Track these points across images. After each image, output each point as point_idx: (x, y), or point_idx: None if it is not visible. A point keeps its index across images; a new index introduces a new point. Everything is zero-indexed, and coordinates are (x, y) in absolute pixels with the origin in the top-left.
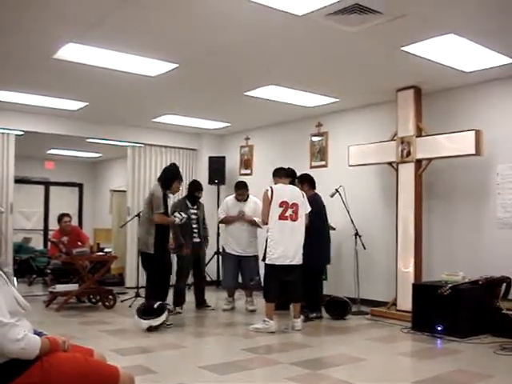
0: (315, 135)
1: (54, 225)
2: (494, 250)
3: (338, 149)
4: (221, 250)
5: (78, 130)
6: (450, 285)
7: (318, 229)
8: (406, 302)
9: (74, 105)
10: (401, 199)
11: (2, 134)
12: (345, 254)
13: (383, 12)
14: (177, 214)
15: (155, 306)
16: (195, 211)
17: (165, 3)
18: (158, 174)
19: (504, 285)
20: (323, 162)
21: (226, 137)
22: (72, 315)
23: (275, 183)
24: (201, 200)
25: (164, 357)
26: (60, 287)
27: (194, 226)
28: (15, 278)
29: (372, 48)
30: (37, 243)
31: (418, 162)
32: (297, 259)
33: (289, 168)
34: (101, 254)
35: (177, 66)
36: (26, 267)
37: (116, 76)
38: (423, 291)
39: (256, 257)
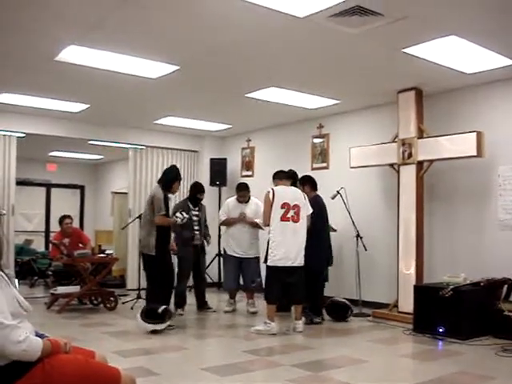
0: (316, 137)
1: (55, 227)
2: (496, 252)
3: (340, 150)
4: (222, 252)
5: (80, 132)
6: (451, 286)
7: (318, 230)
8: (407, 304)
9: (75, 107)
10: (402, 201)
11: (4, 136)
12: (346, 255)
13: (384, 14)
14: (178, 214)
15: (160, 310)
16: (197, 213)
17: (165, 5)
18: (160, 176)
19: (505, 286)
20: (324, 164)
21: (227, 138)
22: (73, 317)
23: (275, 186)
24: (202, 202)
25: (165, 359)
26: (61, 289)
27: (196, 227)
28: (17, 280)
29: (373, 50)
30: (38, 245)
31: (420, 163)
32: (298, 261)
33: (290, 170)
34: (102, 255)
35: (178, 67)
36: (28, 269)
37: (117, 78)
38: (425, 293)
39: (257, 258)
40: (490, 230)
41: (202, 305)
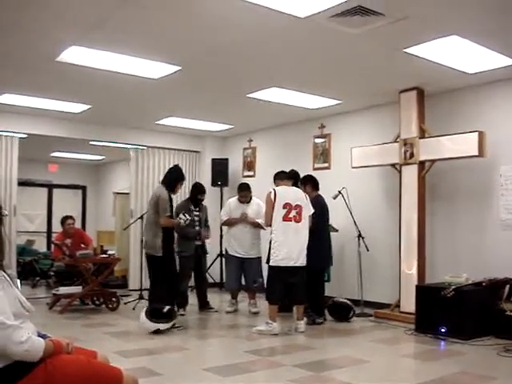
0: (318, 137)
1: (57, 227)
2: (498, 252)
3: (341, 150)
4: (224, 252)
5: (81, 133)
6: (453, 286)
7: (319, 231)
8: (409, 304)
9: (77, 107)
10: (404, 201)
11: (6, 136)
12: (348, 255)
13: (385, 14)
14: (181, 215)
15: (165, 310)
16: (197, 213)
17: (166, 5)
18: (161, 177)
19: (507, 286)
20: (326, 164)
21: (228, 139)
22: (75, 317)
23: (276, 186)
24: (204, 202)
25: (167, 359)
26: (63, 289)
27: (197, 228)
28: (19, 281)
29: (374, 50)
30: (40, 245)
31: (421, 163)
32: (301, 261)
33: (292, 170)
34: (104, 256)
35: (179, 68)
36: (30, 269)
37: (119, 78)
38: (427, 293)
39: (259, 259)
40: (492, 230)
41: (204, 305)
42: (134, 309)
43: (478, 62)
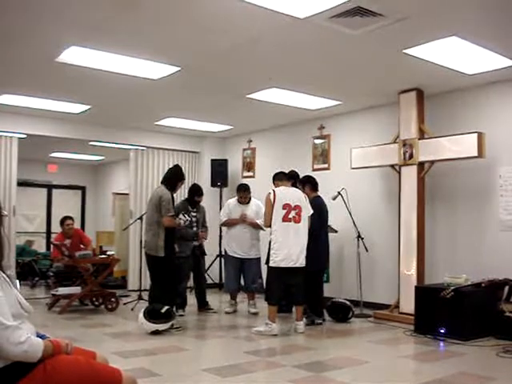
0: (317, 138)
1: (56, 228)
2: (497, 253)
3: (341, 151)
4: (223, 253)
5: (81, 133)
6: (452, 287)
7: (316, 232)
8: (408, 305)
9: (76, 108)
10: (403, 202)
11: (5, 137)
12: (347, 256)
13: (385, 15)
14: (181, 216)
15: (163, 310)
16: (195, 214)
17: (166, 6)
18: (161, 177)
19: (507, 287)
20: (325, 165)
21: (228, 139)
22: (74, 318)
23: (276, 187)
24: (203, 203)
25: (167, 360)
26: (63, 290)
27: (194, 229)
28: (18, 281)
29: (374, 51)
30: (39, 246)
31: (421, 164)
32: (300, 261)
33: (292, 170)
34: (103, 256)
35: (179, 68)
36: (29, 270)
37: (118, 79)
38: (426, 294)
39: (258, 259)
40: (491, 231)
41: (203, 306)
42: (132, 309)
43: (477, 63)
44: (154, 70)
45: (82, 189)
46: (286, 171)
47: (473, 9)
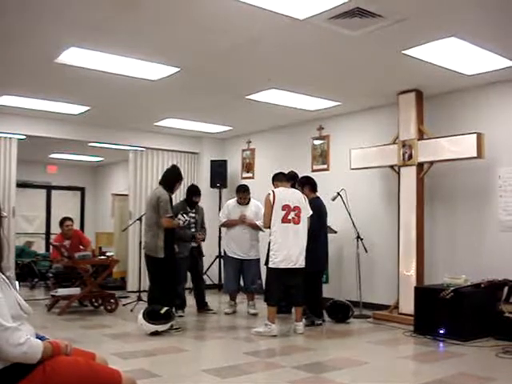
0: (317, 138)
1: (55, 229)
2: (496, 253)
3: (340, 152)
4: (222, 254)
5: (80, 134)
6: (452, 288)
7: (315, 233)
8: (408, 306)
9: (75, 109)
10: (402, 202)
11: (5, 138)
12: (346, 257)
13: (384, 16)
14: (180, 216)
15: (162, 311)
16: (193, 215)
17: (165, 7)
18: (161, 177)
19: (506, 288)
20: (325, 166)
21: (227, 140)
22: (74, 319)
23: (275, 188)
24: (202, 203)
25: (166, 360)
26: (62, 291)
27: (192, 230)
28: (17, 282)
29: (373, 51)
30: (39, 247)
31: (420, 165)
32: (300, 262)
33: (291, 171)
34: (103, 257)
35: (178, 69)
36: (28, 271)
37: (117, 80)
38: (425, 294)
39: (258, 260)
40: (491, 232)
41: (202, 306)
42: (132, 310)
43: (476, 63)
44: (154, 70)
45: (82, 190)
46: (286, 172)
47: (472, 9)
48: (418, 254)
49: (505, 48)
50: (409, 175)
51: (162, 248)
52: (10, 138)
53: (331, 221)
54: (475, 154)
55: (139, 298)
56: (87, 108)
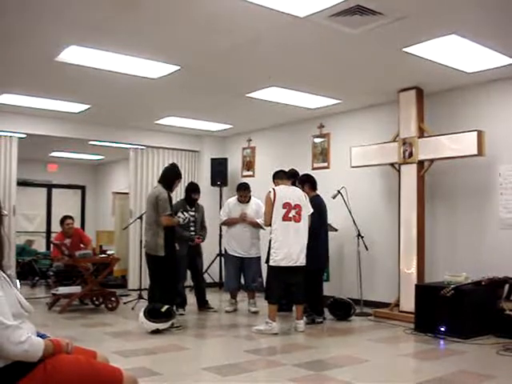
0: (317, 136)
1: (56, 227)
2: (497, 251)
3: (340, 150)
4: (223, 252)
5: (81, 133)
6: (452, 286)
7: (315, 231)
8: (408, 303)
9: (76, 107)
10: (403, 200)
11: (5, 136)
12: (347, 255)
13: (385, 13)
14: (180, 214)
15: (163, 309)
16: (193, 213)
17: (166, 5)
18: (160, 175)
19: (507, 285)
20: (325, 164)
21: (228, 138)
22: (75, 317)
23: (276, 185)
24: (203, 202)
25: (167, 359)
26: (63, 289)
27: (192, 228)
28: (18, 281)
29: (374, 49)
30: (39, 245)
31: (420, 162)
32: (300, 260)
33: (292, 169)
34: (103, 256)
35: (178, 68)
36: (29, 269)
37: (118, 78)
38: (426, 292)
39: (258, 258)
40: (491, 229)
41: (203, 305)
42: (133, 309)
43: (476, 61)
44: (154, 69)
45: (82, 188)
46: (286, 170)
47: (472, 7)
48: (418, 251)
49: (505, 46)
50: (409, 173)
51: (163, 246)
52: (11, 136)
53: (332, 219)
54: (476, 152)
55: (140, 296)
56: (87, 106)
